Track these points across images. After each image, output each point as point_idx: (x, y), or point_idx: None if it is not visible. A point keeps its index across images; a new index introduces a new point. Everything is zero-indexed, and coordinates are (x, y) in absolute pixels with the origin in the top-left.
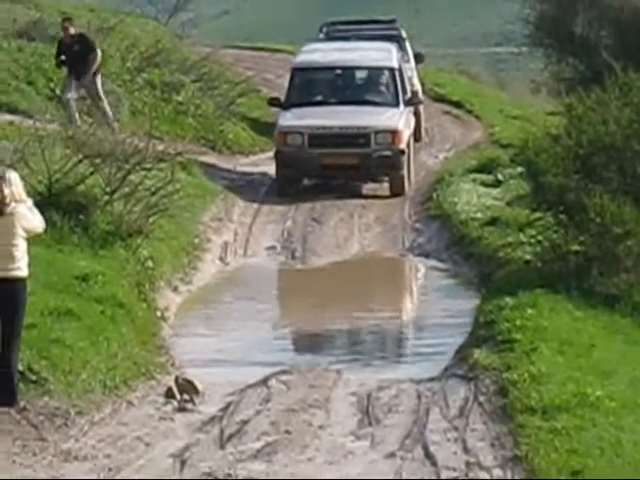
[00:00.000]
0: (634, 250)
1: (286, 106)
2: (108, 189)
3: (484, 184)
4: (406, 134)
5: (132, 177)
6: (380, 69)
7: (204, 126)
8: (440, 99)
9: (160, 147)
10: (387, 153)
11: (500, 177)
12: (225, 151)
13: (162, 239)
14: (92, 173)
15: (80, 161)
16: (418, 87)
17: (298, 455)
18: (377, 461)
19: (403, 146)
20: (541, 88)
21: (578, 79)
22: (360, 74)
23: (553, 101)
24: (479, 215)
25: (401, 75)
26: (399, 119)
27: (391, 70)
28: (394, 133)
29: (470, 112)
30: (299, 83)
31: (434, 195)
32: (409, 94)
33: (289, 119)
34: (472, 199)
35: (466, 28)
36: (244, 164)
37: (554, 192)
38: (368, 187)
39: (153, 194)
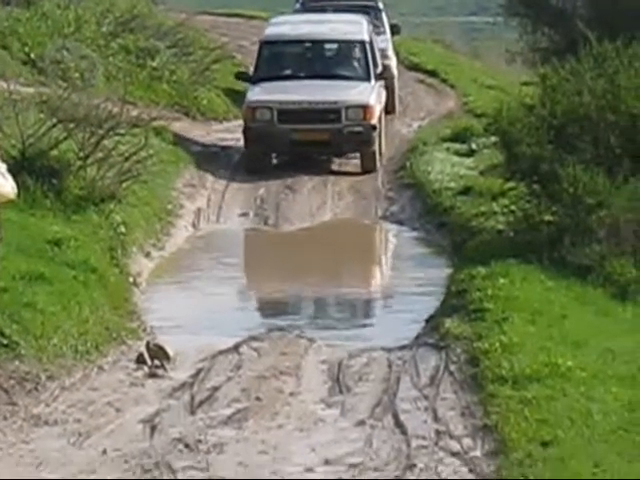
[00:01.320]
0: (606, 221)
1: (254, 80)
2: (82, 154)
3: (458, 153)
4: (377, 109)
5: (106, 142)
6: (351, 42)
7: (178, 92)
8: (414, 68)
9: (134, 112)
10: (358, 129)
11: (474, 146)
12: (199, 117)
13: (135, 205)
14: (66, 138)
15: (54, 125)
16: (393, 59)
17: (268, 422)
18: (347, 429)
19: (375, 121)
20: (516, 58)
21: (553, 49)
22: (330, 47)
23: (528, 71)
24: (452, 184)
25: (372, 48)
26: (370, 94)
27: (362, 43)
28: (365, 108)
29: (444, 81)
30: (268, 56)
31: (407, 164)
32: (380, 67)
33: (257, 94)
34: (445, 168)
35: None
36: (218, 130)
37: (528, 162)
38: (338, 162)
39: (126, 159)
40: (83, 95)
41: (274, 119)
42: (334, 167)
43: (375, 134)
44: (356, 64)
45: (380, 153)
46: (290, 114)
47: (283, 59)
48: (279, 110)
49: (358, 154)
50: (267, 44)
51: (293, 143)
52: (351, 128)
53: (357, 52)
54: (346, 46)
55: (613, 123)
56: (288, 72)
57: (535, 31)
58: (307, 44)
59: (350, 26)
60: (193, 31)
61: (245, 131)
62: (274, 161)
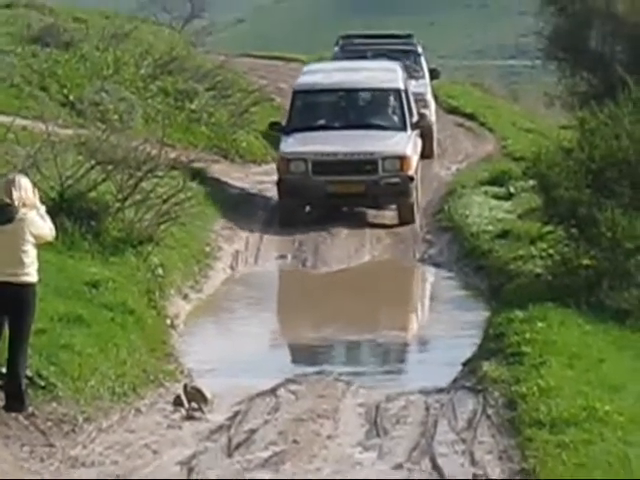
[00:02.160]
0: None
1: (288, 130)
2: (120, 196)
3: (496, 197)
4: (414, 160)
5: (144, 184)
6: (386, 91)
7: (217, 134)
8: (453, 111)
9: (172, 155)
10: (395, 180)
11: (512, 190)
12: (237, 160)
13: (173, 247)
14: (104, 180)
15: (92, 167)
16: (432, 104)
17: (306, 465)
18: (385, 472)
19: (412, 172)
20: (555, 101)
21: (592, 93)
22: (365, 96)
23: (566, 115)
24: (490, 227)
25: (407, 97)
26: (407, 144)
27: (397, 92)
28: (402, 159)
29: (483, 124)
30: (301, 106)
31: (445, 207)
32: (416, 116)
33: (291, 145)
34: (483, 211)
35: (480, 40)
36: (256, 173)
37: (566, 206)
38: (374, 214)
39: (165, 202)
40: (121, 137)
41: (309, 171)
42: (370, 219)
43: (412, 185)
44: (392, 113)
45: (417, 204)
46: (325, 166)
47: (316, 109)
48: (314, 162)
49: (395, 206)
50: (300, 93)
51: (328, 195)
52: (388, 179)
53: (392, 101)
54: (381, 95)
55: None
56: (322, 122)
57: (574, 75)
58: (341, 93)
59: (385, 74)
60: (232, 73)
61: (279, 183)
62: (308, 212)
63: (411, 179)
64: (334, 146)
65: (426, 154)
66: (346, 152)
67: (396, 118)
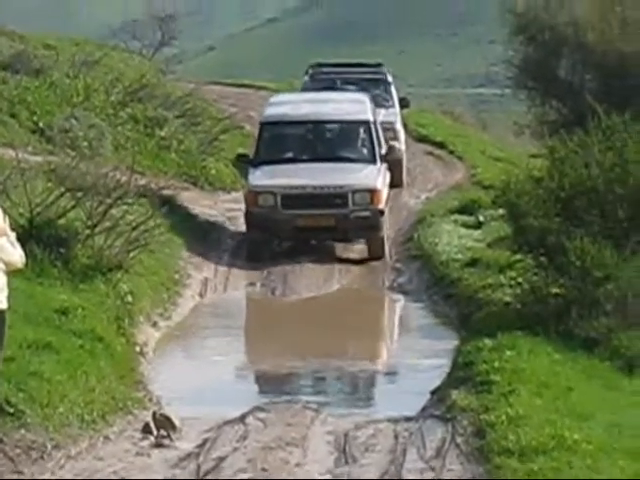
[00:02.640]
0: (614, 294)
1: (255, 163)
2: (89, 223)
3: (465, 225)
4: (385, 193)
5: (114, 211)
6: (355, 123)
7: (187, 162)
8: (423, 139)
9: (142, 182)
10: (366, 214)
11: (481, 218)
12: (207, 187)
13: (142, 274)
14: (74, 207)
15: (62, 194)
16: (401, 132)
17: None
18: None
19: (382, 206)
20: (524, 130)
21: (561, 122)
22: (333, 128)
23: (536, 143)
24: (460, 256)
25: (376, 128)
26: (377, 177)
27: (366, 124)
28: (373, 192)
29: (452, 153)
30: (268, 138)
31: (415, 235)
32: (384, 148)
33: (259, 178)
34: (453, 240)
35: (450, 69)
36: (225, 200)
37: (535, 234)
38: (343, 247)
39: (134, 229)
40: (91, 164)
41: (278, 204)
42: (339, 253)
43: (383, 219)
44: (361, 146)
45: (386, 238)
46: (294, 199)
47: (284, 141)
48: (283, 195)
49: (364, 240)
50: (267, 125)
51: (298, 229)
52: (358, 213)
53: (361, 133)
54: (350, 127)
55: (621, 196)
56: (290, 154)
57: (543, 103)
58: (309, 125)
59: (353, 106)
60: (201, 101)
61: (247, 216)
62: (276, 245)
63: (381, 213)
64: (303, 179)
65: (395, 183)
66: (315, 185)
67: (365, 150)
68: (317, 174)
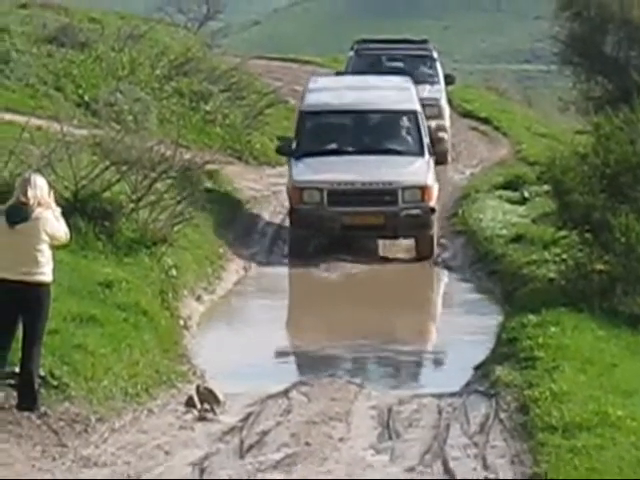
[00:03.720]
0: None
1: (298, 155)
2: (134, 197)
3: (510, 201)
4: (435, 189)
5: (158, 185)
6: (401, 113)
7: (231, 136)
8: (468, 115)
9: (187, 156)
10: (416, 212)
11: (526, 194)
12: (252, 161)
13: (186, 248)
14: (118, 180)
15: (107, 168)
16: (446, 109)
17: (317, 467)
18: (397, 475)
19: (433, 203)
20: (569, 106)
21: (607, 98)
22: (378, 118)
23: (581, 120)
24: (504, 232)
25: (423, 118)
26: (427, 172)
27: (413, 113)
28: (424, 189)
29: (497, 129)
30: (310, 128)
31: (460, 211)
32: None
33: (304, 172)
34: (497, 216)
35: (495, 45)
36: (270, 175)
37: (580, 211)
38: (389, 244)
39: (179, 203)
40: (136, 138)
41: (324, 201)
42: (384, 251)
43: (434, 217)
44: (408, 137)
45: (436, 236)
46: (341, 196)
47: (327, 131)
48: (330, 191)
49: (413, 239)
50: (309, 114)
51: (344, 227)
52: (408, 211)
53: (408, 123)
54: (396, 117)
55: None
56: (334, 146)
57: (589, 80)
58: (353, 114)
59: (399, 93)
60: (247, 75)
61: (291, 213)
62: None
63: (432, 210)
64: (350, 175)
65: (440, 160)
66: (364, 181)
67: (413, 142)
68: (364, 169)
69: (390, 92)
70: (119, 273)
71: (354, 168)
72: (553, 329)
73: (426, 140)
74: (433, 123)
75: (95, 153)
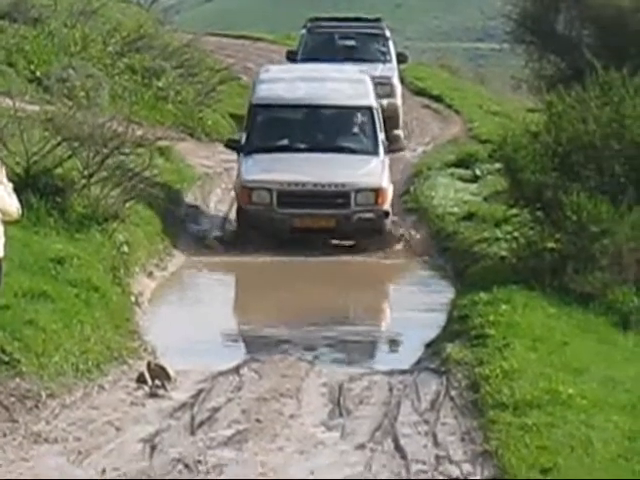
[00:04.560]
0: (609, 249)
1: (247, 151)
2: (86, 173)
3: (462, 179)
4: (390, 191)
5: (110, 161)
6: (356, 109)
7: (184, 112)
8: (420, 93)
9: (139, 132)
10: (369, 215)
11: (478, 172)
12: (204, 138)
13: (138, 224)
14: (70, 156)
15: (59, 144)
16: (398, 88)
17: (268, 444)
18: (347, 452)
19: (387, 207)
20: (521, 85)
21: (559, 77)
22: (333, 113)
23: (533, 98)
24: (456, 210)
25: (379, 115)
26: (382, 173)
27: (369, 110)
28: (377, 192)
29: (450, 106)
30: (261, 123)
31: (411, 189)
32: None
33: (254, 171)
34: (449, 193)
35: (448, 23)
36: (222, 152)
37: (531, 189)
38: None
39: (130, 179)
40: (88, 114)
41: (273, 203)
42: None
43: (387, 221)
44: (362, 135)
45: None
46: (292, 197)
47: (279, 126)
48: (280, 192)
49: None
50: (260, 108)
51: (294, 230)
52: (361, 214)
53: (364, 120)
54: (351, 113)
55: (618, 151)
56: (285, 142)
57: (541, 58)
58: (306, 109)
59: (354, 87)
60: (199, 52)
61: (239, 213)
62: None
63: (386, 214)
64: (302, 175)
65: (396, 149)
66: (315, 183)
67: (367, 140)
68: (316, 169)
69: (345, 85)
70: (70, 249)
71: (306, 168)
72: (504, 307)
73: (381, 137)
74: (385, 102)
75: (47, 129)
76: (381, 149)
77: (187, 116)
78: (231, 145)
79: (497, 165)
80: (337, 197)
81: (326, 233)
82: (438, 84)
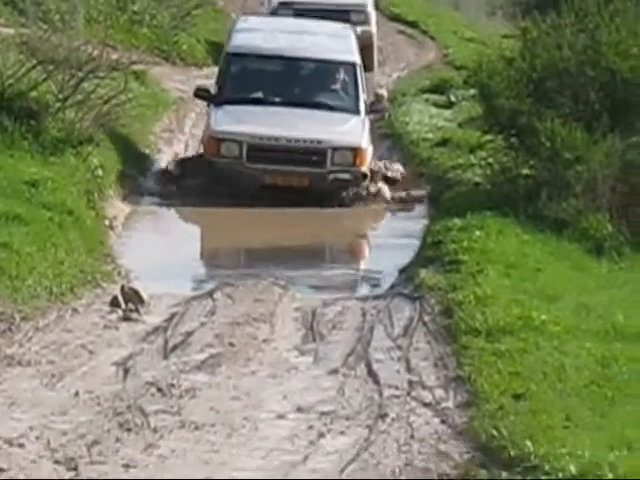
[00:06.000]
0: (584, 176)
1: (218, 101)
2: (60, 96)
3: (436, 105)
4: (369, 151)
5: (85, 85)
6: (338, 64)
7: (159, 37)
8: (395, 18)
9: (114, 56)
10: (345, 176)
11: (453, 98)
12: (179, 62)
13: (113, 148)
14: (45, 79)
15: (33, 67)
16: (372, 15)
17: (241, 368)
18: (320, 377)
19: (365, 168)
20: (496, 11)
21: (534, 3)
22: (313, 67)
23: (508, 24)
24: (430, 135)
25: (362, 72)
26: (361, 132)
27: (352, 65)
28: (356, 151)
29: (425, 32)
30: (235, 73)
31: (386, 114)
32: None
33: (224, 121)
34: (424, 119)
35: None
36: (197, 76)
37: (506, 115)
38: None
39: (105, 103)
40: (63, 37)
41: (243, 156)
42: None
43: (365, 184)
44: (343, 92)
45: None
46: (263, 152)
47: (254, 77)
48: (250, 145)
49: None
50: (235, 57)
51: (265, 187)
52: (337, 175)
53: (345, 76)
54: (332, 68)
55: (593, 78)
56: (260, 94)
57: None
58: (285, 61)
59: (337, 41)
60: None
61: (205, 165)
62: None
63: (364, 176)
64: (275, 129)
65: (367, 67)
66: (289, 137)
67: (348, 98)
68: (291, 123)
69: (328, 39)
70: (45, 172)
71: (280, 121)
72: (478, 233)
73: (363, 96)
74: (359, 29)
75: (22, 52)
76: (362, 108)
77: (162, 40)
78: (201, 94)
79: (472, 91)
80: (312, 154)
81: (298, 193)
82: (413, 10)
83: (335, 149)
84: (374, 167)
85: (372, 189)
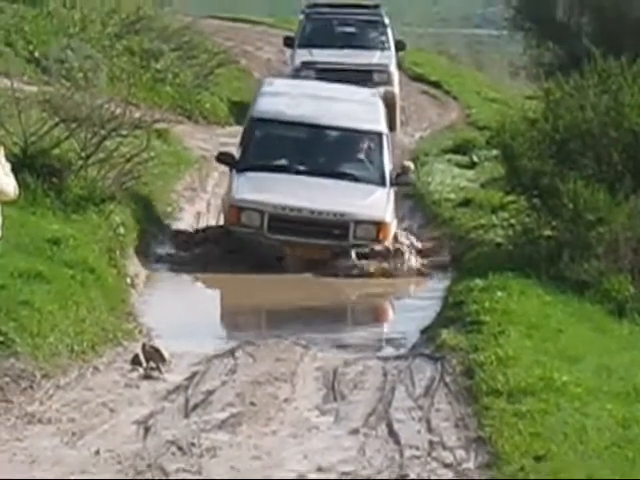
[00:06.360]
0: (606, 237)
1: (241, 167)
2: (83, 154)
3: (459, 165)
4: (393, 225)
5: (107, 143)
6: (364, 133)
7: (181, 95)
8: (418, 78)
9: (137, 114)
10: (367, 251)
11: (475, 159)
12: (201, 121)
13: (135, 206)
14: (67, 137)
15: (56, 124)
16: (395, 75)
17: (262, 427)
18: (341, 437)
19: (389, 243)
20: (520, 72)
21: (557, 64)
22: (339, 136)
23: (531, 85)
24: (452, 196)
25: (389, 143)
26: (386, 206)
27: (379, 136)
28: (380, 225)
29: (448, 93)
30: (259, 139)
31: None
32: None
33: (246, 189)
34: (446, 179)
35: (446, 8)
36: (220, 134)
37: (529, 176)
38: None
39: (128, 161)
40: (86, 95)
41: (264, 226)
42: None
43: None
44: (369, 163)
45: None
46: (285, 222)
47: (278, 144)
48: (272, 216)
49: None
50: (259, 122)
51: (283, 258)
52: (360, 249)
53: (372, 146)
54: (358, 137)
55: (615, 140)
56: (284, 162)
57: (539, 45)
58: (310, 129)
59: (364, 109)
60: (198, 35)
61: (224, 235)
62: None
63: (388, 251)
64: (298, 199)
65: (390, 127)
66: (312, 209)
67: (374, 169)
68: (315, 194)
69: (355, 107)
70: (67, 230)
71: (303, 192)
72: (500, 293)
73: (389, 167)
74: (382, 89)
75: (45, 110)
76: (387, 179)
77: (185, 99)
78: (223, 159)
79: (494, 152)
80: (334, 227)
81: (318, 265)
82: (436, 70)
83: (358, 222)
84: (399, 239)
85: (398, 264)
